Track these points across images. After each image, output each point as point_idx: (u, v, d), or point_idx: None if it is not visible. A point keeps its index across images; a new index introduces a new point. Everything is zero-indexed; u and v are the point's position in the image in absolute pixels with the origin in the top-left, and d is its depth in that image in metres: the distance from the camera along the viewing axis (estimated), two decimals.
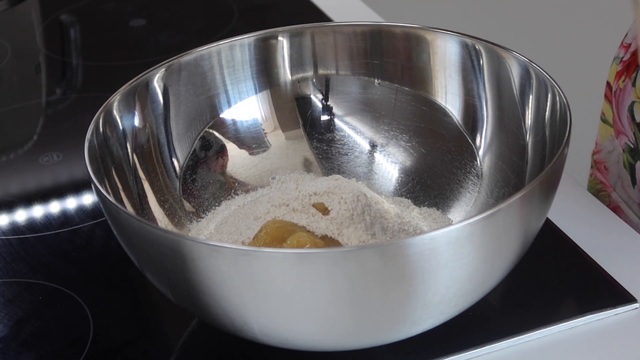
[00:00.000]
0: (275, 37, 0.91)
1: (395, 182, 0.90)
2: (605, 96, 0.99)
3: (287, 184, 0.90)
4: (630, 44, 0.96)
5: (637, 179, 0.95)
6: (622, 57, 0.97)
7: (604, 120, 0.99)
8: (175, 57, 0.88)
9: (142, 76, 0.86)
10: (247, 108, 0.91)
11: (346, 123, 0.92)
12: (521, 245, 0.74)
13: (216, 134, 0.91)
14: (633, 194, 0.95)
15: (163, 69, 0.87)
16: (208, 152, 0.90)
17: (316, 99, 0.93)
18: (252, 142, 0.92)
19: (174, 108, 0.88)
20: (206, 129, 0.90)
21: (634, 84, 0.93)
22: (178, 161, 0.89)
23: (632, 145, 0.94)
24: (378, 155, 0.91)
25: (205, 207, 0.89)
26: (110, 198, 0.74)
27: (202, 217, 0.88)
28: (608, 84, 0.98)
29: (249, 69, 0.91)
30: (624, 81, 0.95)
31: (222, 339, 0.79)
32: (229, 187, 0.90)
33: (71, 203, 0.98)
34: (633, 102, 0.93)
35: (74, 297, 0.85)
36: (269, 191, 0.89)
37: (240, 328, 0.72)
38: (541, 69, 0.83)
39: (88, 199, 0.97)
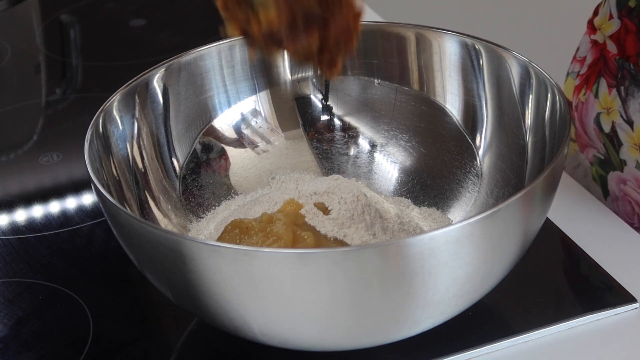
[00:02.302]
0: None
1: (395, 182, 0.90)
2: None
3: (287, 184, 0.90)
4: (584, 57, 0.95)
5: (609, 190, 0.94)
6: (579, 71, 0.96)
7: None
8: (175, 57, 0.88)
9: (141, 76, 0.86)
10: (247, 108, 0.91)
11: (346, 123, 0.92)
12: (521, 245, 0.74)
13: (216, 134, 0.91)
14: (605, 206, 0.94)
15: (163, 69, 0.87)
16: (208, 152, 0.90)
17: (316, 99, 0.93)
18: (252, 142, 0.91)
19: (173, 108, 0.88)
20: (206, 129, 0.90)
21: (596, 96, 0.93)
22: (178, 161, 0.88)
23: (602, 157, 0.94)
24: (378, 155, 0.91)
25: (205, 207, 0.89)
26: (110, 198, 0.74)
27: (202, 217, 0.88)
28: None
29: (248, 69, 0.91)
30: (584, 94, 0.94)
31: (222, 339, 0.79)
32: (229, 187, 0.90)
33: (71, 203, 0.98)
34: (599, 113, 0.93)
35: (74, 297, 0.85)
36: (269, 191, 0.89)
37: (240, 328, 0.72)
38: (541, 69, 0.83)
39: (88, 199, 0.97)
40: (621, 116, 0.91)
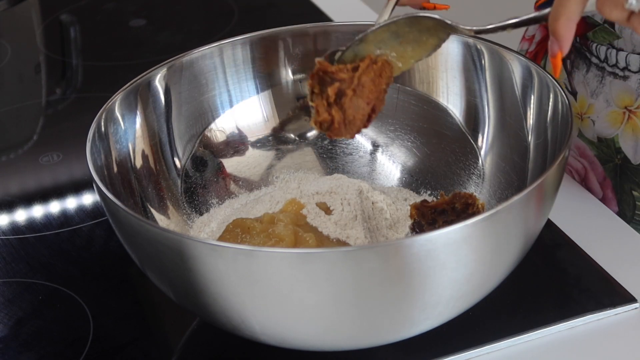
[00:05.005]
0: (276, 37, 0.91)
1: (398, 182, 0.90)
2: None
3: (290, 183, 0.90)
4: (533, 36, 0.99)
5: None
6: (527, 49, 0.99)
7: None
8: (177, 56, 0.88)
9: (143, 75, 0.86)
10: (249, 108, 0.91)
11: None
12: (521, 247, 0.74)
13: (218, 133, 0.91)
14: None
15: (165, 69, 0.87)
16: (210, 151, 0.90)
17: None
18: (254, 141, 0.91)
19: (175, 108, 0.88)
20: (208, 129, 0.90)
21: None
22: (180, 160, 0.88)
23: None
24: (381, 155, 0.91)
25: (207, 205, 0.89)
26: (112, 197, 0.73)
27: (204, 215, 0.88)
28: None
29: (250, 68, 0.91)
30: None
31: (222, 339, 0.79)
32: (231, 185, 0.90)
33: (71, 203, 0.97)
34: None
35: (74, 297, 0.85)
36: (272, 190, 0.89)
37: (239, 327, 0.72)
38: (543, 69, 0.83)
39: (88, 199, 0.97)
40: (566, 87, 0.94)
